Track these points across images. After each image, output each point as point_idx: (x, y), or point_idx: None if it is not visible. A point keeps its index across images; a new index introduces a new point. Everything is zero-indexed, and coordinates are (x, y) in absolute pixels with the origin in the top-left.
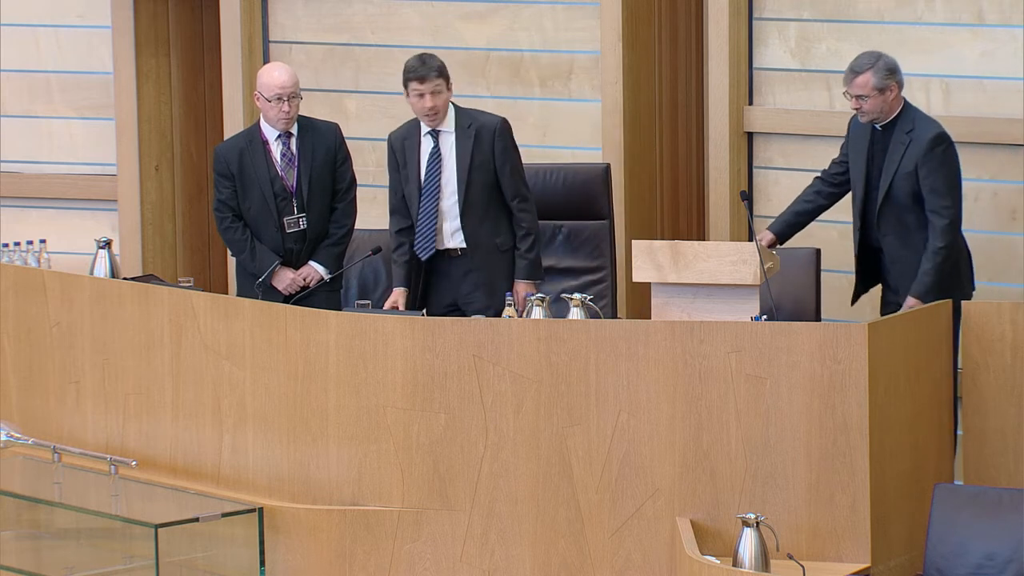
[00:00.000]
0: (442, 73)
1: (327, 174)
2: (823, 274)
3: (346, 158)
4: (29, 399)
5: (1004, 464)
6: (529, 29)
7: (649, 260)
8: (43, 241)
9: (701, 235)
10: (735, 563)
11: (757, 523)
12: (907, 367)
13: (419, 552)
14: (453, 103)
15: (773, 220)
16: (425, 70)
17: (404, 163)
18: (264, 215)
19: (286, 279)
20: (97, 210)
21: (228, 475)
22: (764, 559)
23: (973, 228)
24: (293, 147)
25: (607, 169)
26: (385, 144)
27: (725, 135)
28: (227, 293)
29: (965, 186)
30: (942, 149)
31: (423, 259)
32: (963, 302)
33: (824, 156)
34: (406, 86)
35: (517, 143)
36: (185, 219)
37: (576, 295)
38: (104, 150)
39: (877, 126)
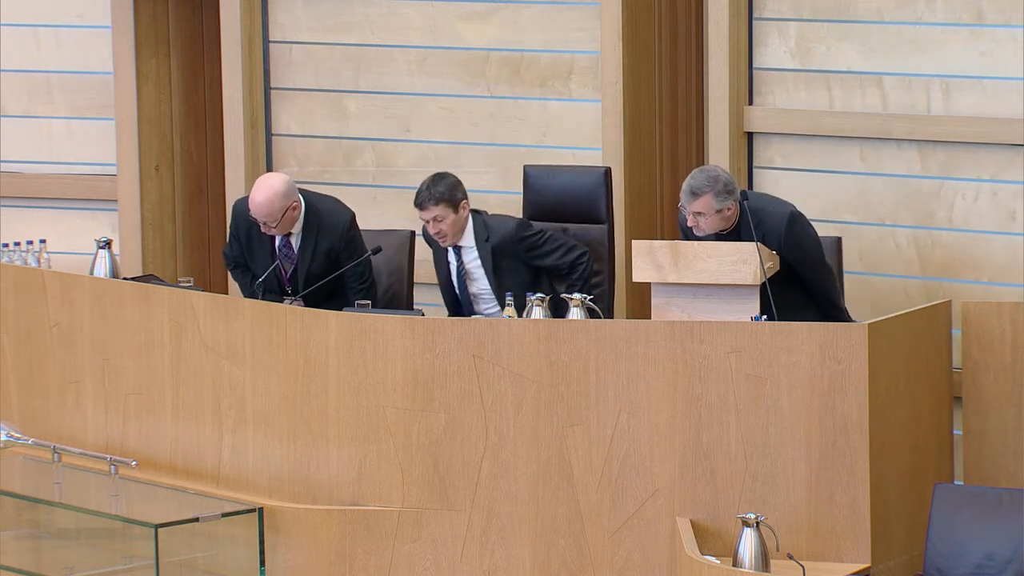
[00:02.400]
0: (443, 199)
1: (327, 269)
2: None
3: (352, 255)
4: (29, 399)
5: (1004, 464)
6: (529, 29)
7: (649, 260)
8: (43, 241)
9: None
10: (735, 563)
11: (757, 523)
12: (907, 367)
13: (419, 552)
14: (473, 212)
15: None
16: (422, 198)
17: (433, 261)
18: (267, 285)
19: None
20: (97, 210)
21: (228, 475)
22: (764, 559)
23: (973, 228)
24: (294, 244)
25: (607, 173)
26: None
27: (725, 135)
28: (227, 293)
29: (966, 186)
30: (799, 225)
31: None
32: (963, 302)
33: (823, 156)
34: None
35: (519, 142)
36: (185, 219)
37: (576, 295)
38: (104, 150)
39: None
